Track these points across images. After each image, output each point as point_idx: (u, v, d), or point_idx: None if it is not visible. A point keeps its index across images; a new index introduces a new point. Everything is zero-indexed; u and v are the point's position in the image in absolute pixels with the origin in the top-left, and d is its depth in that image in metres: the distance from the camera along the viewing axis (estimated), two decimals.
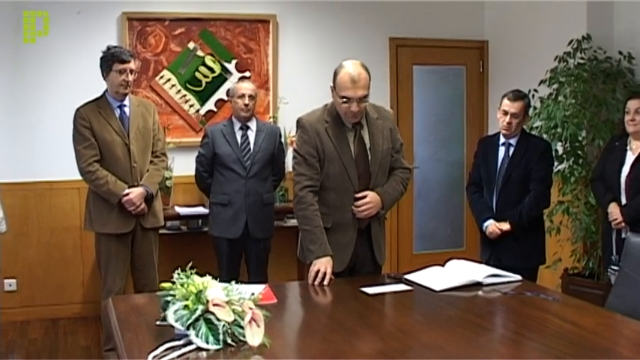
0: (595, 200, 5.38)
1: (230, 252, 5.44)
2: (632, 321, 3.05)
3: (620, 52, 5.96)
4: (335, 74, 3.82)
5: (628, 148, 4.86)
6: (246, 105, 5.38)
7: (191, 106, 6.57)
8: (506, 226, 4.80)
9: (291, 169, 6.29)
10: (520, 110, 4.78)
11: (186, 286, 2.64)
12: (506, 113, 4.80)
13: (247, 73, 6.67)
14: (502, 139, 4.91)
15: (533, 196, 4.79)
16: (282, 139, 6.36)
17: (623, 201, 4.81)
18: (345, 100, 3.76)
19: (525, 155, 4.81)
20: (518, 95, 4.84)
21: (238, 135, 5.44)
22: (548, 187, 4.88)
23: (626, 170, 4.82)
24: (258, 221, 5.43)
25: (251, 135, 5.46)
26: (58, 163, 5.89)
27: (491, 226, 4.85)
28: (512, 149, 4.86)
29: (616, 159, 4.89)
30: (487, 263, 4.58)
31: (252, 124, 5.50)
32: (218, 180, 5.44)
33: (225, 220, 5.39)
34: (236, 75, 6.62)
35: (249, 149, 5.42)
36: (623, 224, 4.77)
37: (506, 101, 4.83)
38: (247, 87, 5.46)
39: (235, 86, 5.53)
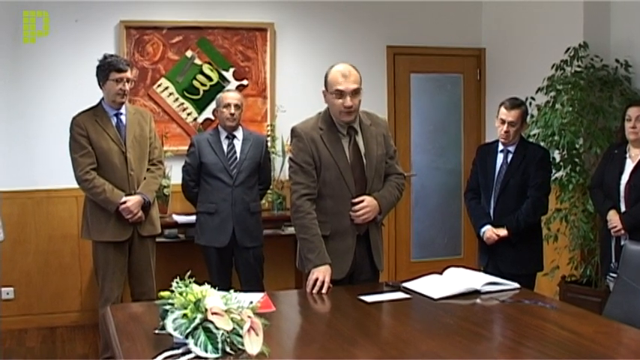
0: (593, 207, 5.39)
1: (219, 261, 5.45)
2: (631, 329, 3.06)
3: (617, 60, 5.98)
4: (325, 76, 3.89)
5: (627, 155, 4.86)
6: (232, 114, 5.41)
7: (189, 114, 6.58)
8: (503, 232, 4.81)
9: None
10: (517, 118, 4.79)
11: (184, 294, 2.64)
12: (503, 122, 4.81)
13: (245, 82, 6.68)
14: (500, 147, 4.92)
15: (530, 203, 4.80)
16: (281, 147, 6.40)
17: (623, 208, 4.82)
18: (338, 93, 3.79)
19: (523, 162, 4.82)
20: (514, 103, 4.85)
21: (224, 144, 5.45)
22: (545, 194, 4.89)
23: (625, 178, 4.82)
24: (245, 229, 5.44)
25: (237, 144, 5.48)
26: (56, 171, 5.88)
27: (489, 231, 4.86)
28: (510, 156, 4.88)
29: (615, 167, 4.90)
30: (485, 270, 4.62)
31: (239, 133, 5.51)
32: (205, 189, 5.46)
33: (212, 229, 5.41)
34: (234, 83, 6.63)
35: (236, 158, 5.43)
36: (622, 231, 4.77)
37: (503, 110, 4.84)
38: (233, 96, 5.48)
39: (221, 96, 5.54)
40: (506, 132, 4.81)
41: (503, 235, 4.81)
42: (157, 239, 5.32)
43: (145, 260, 5.08)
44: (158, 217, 5.23)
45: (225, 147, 5.45)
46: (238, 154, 5.45)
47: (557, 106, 5.86)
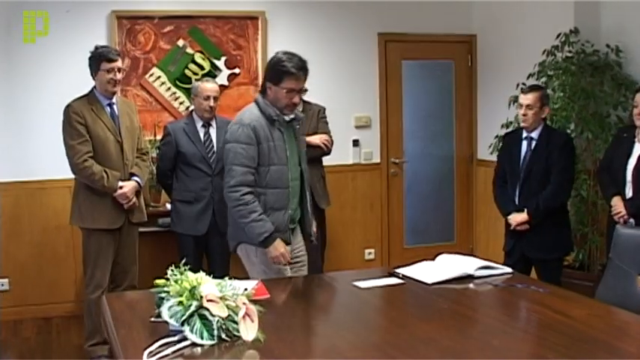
0: (600, 191, 5.37)
1: (195, 248, 5.47)
2: (622, 311, 3.09)
3: (608, 45, 5.99)
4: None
5: (636, 140, 4.83)
6: (212, 107, 5.42)
7: (181, 103, 6.57)
8: (524, 215, 4.91)
9: None
10: (534, 101, 4.91)
11: (180, 282, 2.66)
12: (521, 106, 4.95)
13: (236, 70, 6.68)
14: (524, 134, 5.02)
15: (551, 187, 4.90)
16: None
17: (629, 194, 4.80)
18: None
19: (547, 149, 4.92)
20: (531, 87, 5.06)
21: (201, 133, 5.45)
22: (567, 180, 4.99)
23: (632, 162, 4.80)
24: (225, 216, 5.46)
25: (213, 132, 5.48)
26: (49, 162, 5.88)
27: (512, 218, 4.99)
28: (534, 143, 4.98)
29: (623, 151, 4.89)
30: (509, 253, 4.97)
31: (213, 122, 5.52)
32: (181, 178, 5.46)
33: (190, 218, 5.42)
34: (226, 72, 6.64)
35: (213, 146, 5.44)
36: (626, 216, 4.76)
37: (520, 94, 5.02)
38: (212, 88, 5.47)
39: (199, 86, 5.50)
40: (524, 115, 4.94)
41: (523, 219, 4.91)
42: (151, 228, 5.46)
43: (131, 247, 5.18)
44: (144, 204, 5.31)
45: (202, 136, 5.45)
46: (215, 143, 5.46)
47: (549, 91, 5.86)
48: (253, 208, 3.89)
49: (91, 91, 5.01)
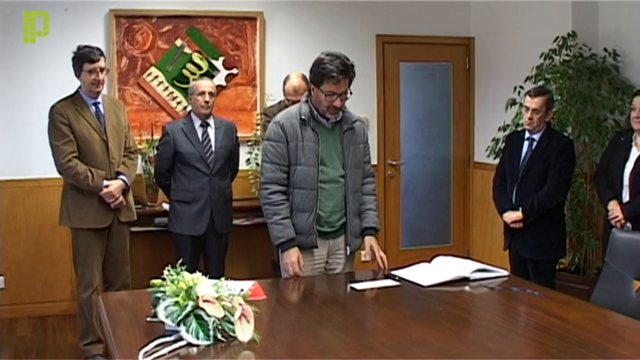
0: (597, 195, 5.39)
1: (193, 249, 5.47)
2: (617, 315, 3.10)
3: (605, 49, 6.00)
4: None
5: (633, 144, 4.84)
6: (207, 102, 5.42)
7: (178, 103, 6.58)
8: (518, 214, 4.97)
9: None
10: (540, 105, 4.93)
11: (176, 282, 2.66)
12: (527, 109, 4.96)
13: (234, 71, 6.68)
14: (527, 134, 5.07)
15: (547, 189, 4.93)
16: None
17: (626, 198, 4.81)
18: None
19: (546, 150, 4.96)
20: (538, 91, 5.03)
21: (199, 132, 5.46)
22: (563, 182, 5.01)
23: (630, 166, 4.80)
24: (222, 217, 5.51)
25: (211, 132, 5.49)
26: (46, 160, 5.84)
27: (506, 216, 5.06)
28: (535, 144, 5.01)
29: (620, 155, 4.89)
30: (509, 252, 5.07)
31: (211, 121, 5.52)
32: (179, 178, 5.46)
33: (188, 218, 5.43)
34: (223, 72, 6.64)
35: (211, 146, 5.45)
36: (623, 221, 4.77)
37: (527, 97, 5.01)
38: (207, 84, 5.49)
39: (195, 84, 5.53)
40: (529, 119, 4.96)
41: (517, 217, 4.96)
42: (147, 228, 5.44)
43: (122, 246, 5.18)
44: (134, 204, 5.30)
45: (200, 136, 5.46)
46: (213, 143, 5.46)
47: None
48: (277, 210, 3.88)
49: (77, 91, 5.03)
